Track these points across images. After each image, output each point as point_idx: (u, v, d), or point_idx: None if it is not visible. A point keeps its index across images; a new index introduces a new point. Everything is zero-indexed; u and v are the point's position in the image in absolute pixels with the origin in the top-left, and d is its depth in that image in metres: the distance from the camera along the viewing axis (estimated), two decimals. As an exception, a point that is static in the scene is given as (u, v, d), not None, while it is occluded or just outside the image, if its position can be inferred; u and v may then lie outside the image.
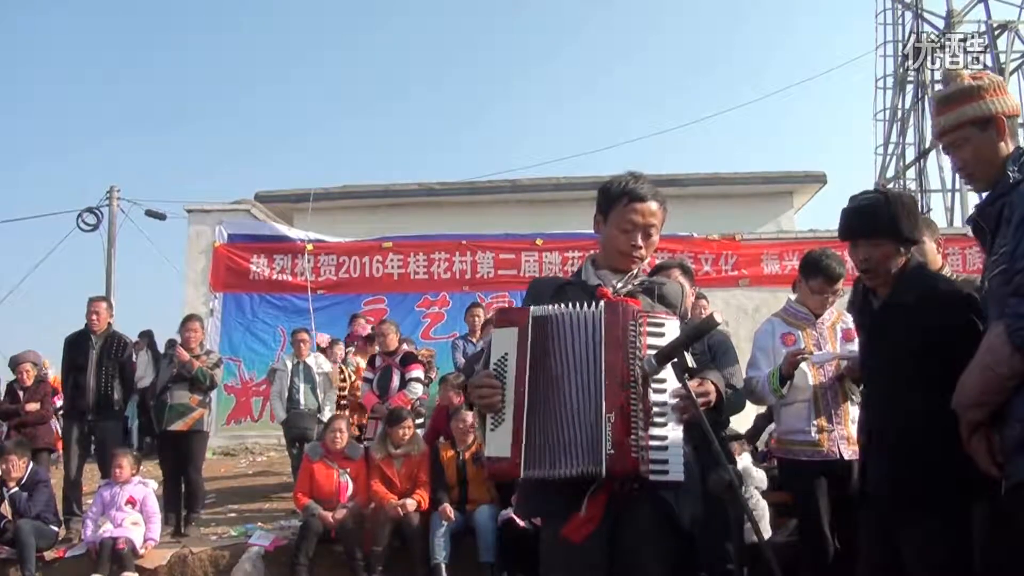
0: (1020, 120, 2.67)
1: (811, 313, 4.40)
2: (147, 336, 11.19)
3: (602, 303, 2.46)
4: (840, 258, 4.35)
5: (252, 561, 6.19)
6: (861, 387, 3.93)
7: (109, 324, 7.51)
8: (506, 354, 2.47)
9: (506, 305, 11.80)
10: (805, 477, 4.20)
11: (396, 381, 7.68)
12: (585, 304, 2.47)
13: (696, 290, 4.87)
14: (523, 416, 2.40)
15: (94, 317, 7.36)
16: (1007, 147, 2.53)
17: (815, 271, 4.30)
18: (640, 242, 2.59)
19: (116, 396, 7.26)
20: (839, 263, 4.29)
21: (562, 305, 2.48)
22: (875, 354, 3.16)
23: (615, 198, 2.61)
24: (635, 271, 2.67)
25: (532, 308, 2.49)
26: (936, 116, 2.71)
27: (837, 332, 4.34)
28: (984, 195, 2.61)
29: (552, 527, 2.51)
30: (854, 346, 4.27)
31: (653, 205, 2.60)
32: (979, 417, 2.41)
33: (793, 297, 4.59)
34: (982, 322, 2.71)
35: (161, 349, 11.61)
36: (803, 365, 4.15)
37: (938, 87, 20.16)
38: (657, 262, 4.50)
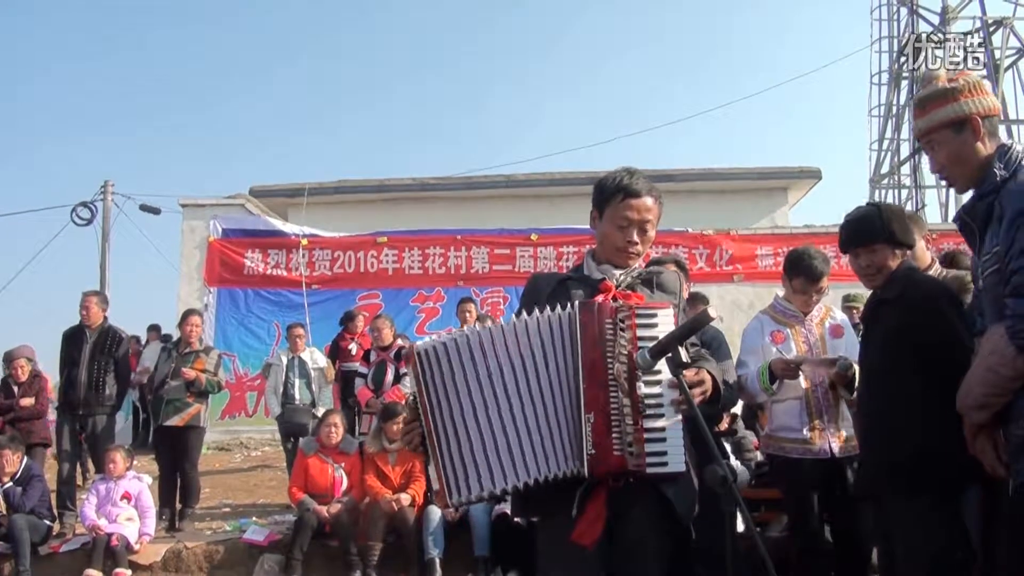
0: (1013, 117, 2.69)
1: (799, 310, 4.36)
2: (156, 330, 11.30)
3: (576, 304, 2.44)
4: (825, 256, 4.33)
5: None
6: (856, 387, 3.93)
7: (104, 319, 7.50)
8: (414, 393, 2.47)
9: (501, 300, 11.86)
10: (796, 474, 4.17)
11: (391, 375, 7.69)
12: (560, 305, 2.45)
13: (689, 285, 4.85)
14: (438, 448, 2.39)
15: (84, 312, 7.36)
16: (984, 147, 2.54)
17: (796, 270, 4.27)
18: (636, 238, 2.58)
19: (108, 391, 7.24)
20: (823, 261, 4.25)
21: (545, 307, 2.45)
22: (865, 346, 3.38)
23: (610, 194, 2.60)
24: (634, 264, 2.67)
25: (416, 344, 2.48)
26: (915, 119, 2.77)
27: (826, 327, 4.32)
28: (970, 194, 2.63)
29: (548, 525, 2.51)
30: (842, 342, 4.27)
31: (648, 201, 2.58)
32: (984, 418, 2.42)
33: (780, 294, 4.56)
34: (957, 311, 2.99)
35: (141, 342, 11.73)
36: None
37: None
38: (652, 257, 4.49)
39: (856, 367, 3.89)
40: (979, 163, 2.54)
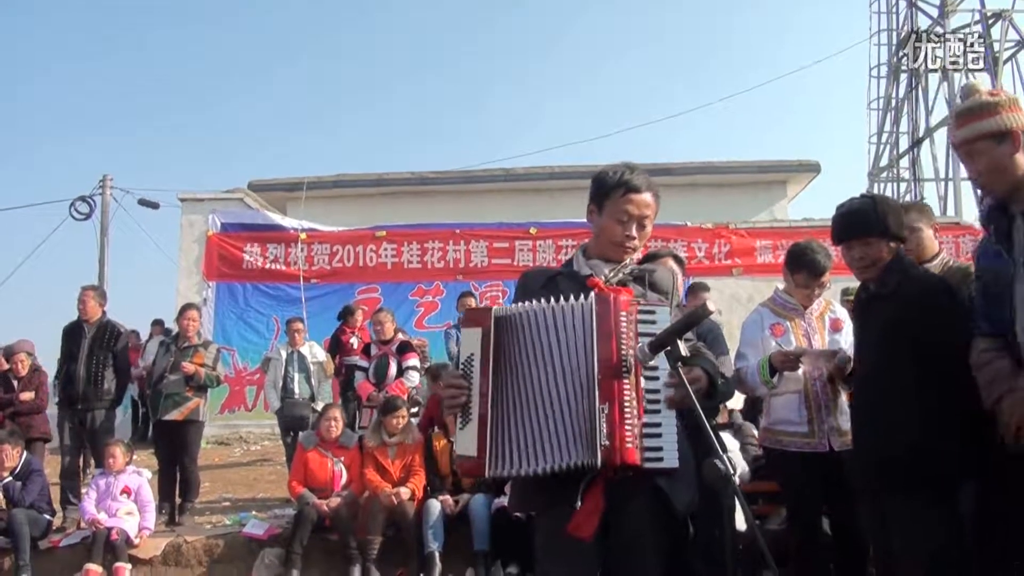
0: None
1: (799, 304, 4.35)
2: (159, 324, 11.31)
3: (592, 295, 2.44)
4: (827, 251, 4.31)
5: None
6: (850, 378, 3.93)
7: (103, 313, 7.50)
8: (472, 355, 2.47)
9: (500, 294, 11.84)
10: (794, 468, 4.17)
11: (393, 369, 7.68)
12: (573, 296, 2.45)
13: (688, 279, 4.85)
14: (488, 415, 2.40)
15: (81, 306, 7.36)
16: (1020, 160, 2.70)
17: (799, 265, 4.25)
18: (634, 232, 2.60)
19: (107, 385, 7.24)
20: (825, 256, 4.24)
21: (538, 301, 2.47)
22: (862, 340, 3.37)
23: (610, 189, 2.60)
24: (627, 260, 2.67)
25: (494, 308, 2.49)
26: (954, 129, 2.88)
27: (825, 321, 4.30)
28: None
29: (547, 519, 2.51)
30: (841, 336, 4.26)
31: (648, 196, 2.60)
32: None
33: (781, 287, 4.54)
34: (955, 305, 3.04)
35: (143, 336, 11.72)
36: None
37: (932, 75, 20.25)
38: (650, 250, 4.46)
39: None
40: (1015, 175, 2.70)
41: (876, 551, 3.55)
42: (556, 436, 2.37)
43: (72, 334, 7.36)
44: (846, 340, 4.19)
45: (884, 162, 22.16)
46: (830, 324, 4.27)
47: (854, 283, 3.57)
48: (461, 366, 2.50)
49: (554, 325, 2.43)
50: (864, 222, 3.23)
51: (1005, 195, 2.75)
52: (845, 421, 4.08)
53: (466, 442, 2.44)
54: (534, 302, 2.48)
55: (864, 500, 3.28)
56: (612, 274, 2.61)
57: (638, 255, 2.76)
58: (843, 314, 4.44)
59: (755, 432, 5.93)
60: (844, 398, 4.15)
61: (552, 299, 2.46)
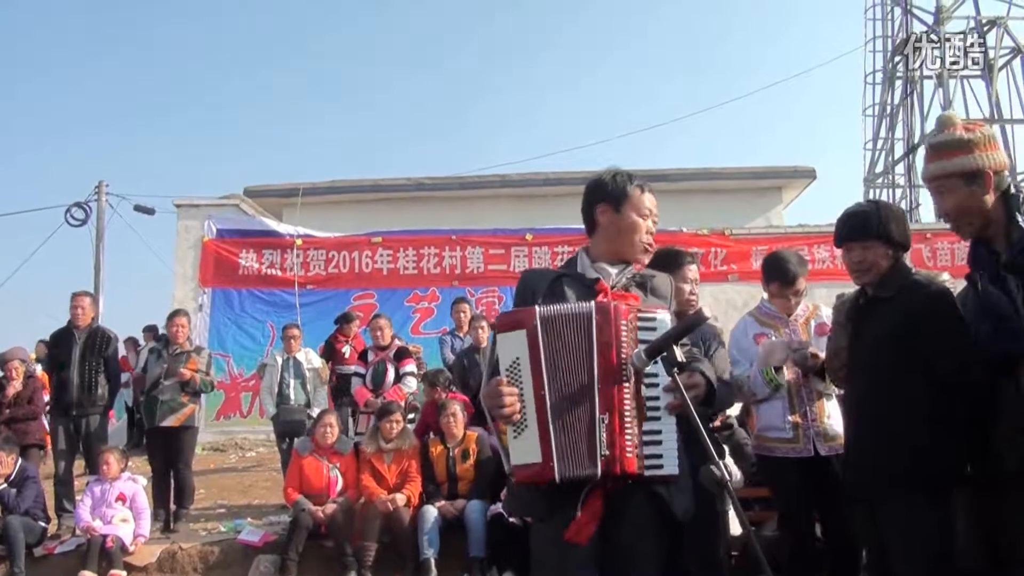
0: (1008, 117, 2.75)
1: (781, 312, 4.37)
2: (152, 330, 11.26)
3: (592, 303, 2.42)
4: (801, 258, 4.37)
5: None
6: (827, 379, 3.93)
7: (93, 319, 7.48)
8: (517, 358, 2.40)
9: (496, 300, 11.84)
10: (782, 473, 4.18)
11: (390, 375, 7.68)
12: (576, 301, 2.45)
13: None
14: (548, 419, 2.34)
15: (78, 311, 7.34)
16: (991, 199, 2.64)
17: (771, 275, 4.30)
18: (653, 228, 2.65)
19: (100, 391, 7.22)
20: (798, 264, 4.28)
21: (544, 303, 2.46)
22: (860, 344, 3.33)
23: (627, 187, 2.61)
24: (645, 260, 2.68)
25: (538, 308, 2.43)
26: (926, 162, 2.84)
27: (811, 327, 4.31)
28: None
29: (544, 526, 2.49)
30: (825, 341, 4.26)
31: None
32: None
33: (766, 296, 4.55)
34: (956, 313, 3.01)
35: (141, 341, 11.69)
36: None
37: (927, 82, 20.33)
38: (670, 248, 4.24)
39: (819, 355, 3.89)
40: (985, 215, 2.65)
41: (869, 556, 3.56)
42: (565, 444, 2.34)
43: (61, 340, 7.34)
44: None
45: (879, 168, 22.25)
46: (815, 329, 4.27)
47: (849, 289, 3.57)
48: (505, 372, 2.41)
49: (566, 330, 2.40)
50: (863, 225, 3.23)
51: (974, 236, 2.72)
52: (833, 425, 4.09)
53: (525, 450, 2.36)
54: (563, 304, 2.45)
55: (858, 505, 3.28)
56: (618, 277, 2.60)
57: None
58: (830, 318, 4.44)
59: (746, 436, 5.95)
60: (835, 402, 4.16)
61: (561, 303, 2.45)
